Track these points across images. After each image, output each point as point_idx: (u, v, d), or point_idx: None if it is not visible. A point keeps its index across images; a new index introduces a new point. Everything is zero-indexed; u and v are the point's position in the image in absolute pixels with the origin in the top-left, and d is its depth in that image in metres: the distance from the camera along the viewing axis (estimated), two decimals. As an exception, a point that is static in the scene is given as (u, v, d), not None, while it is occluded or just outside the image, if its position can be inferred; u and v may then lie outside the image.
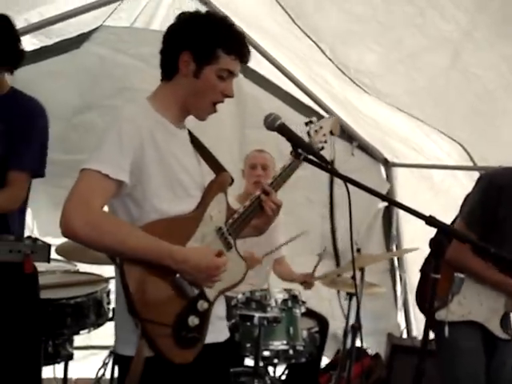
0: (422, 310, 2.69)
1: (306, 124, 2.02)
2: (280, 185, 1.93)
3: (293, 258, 3.68)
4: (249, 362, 3.10)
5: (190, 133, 1.90)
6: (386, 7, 2.78)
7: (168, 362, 1.62)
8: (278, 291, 2.98)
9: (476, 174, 3.42)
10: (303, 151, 1.84)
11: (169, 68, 1.77)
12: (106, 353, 3.34)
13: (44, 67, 3.45)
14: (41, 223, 3.68)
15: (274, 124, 1.81)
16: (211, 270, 1.65)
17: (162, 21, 3.78)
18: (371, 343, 4.30)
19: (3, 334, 2.30)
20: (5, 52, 2.28)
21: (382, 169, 4.58)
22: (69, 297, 2.72)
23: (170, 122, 1.76)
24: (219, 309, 1.83)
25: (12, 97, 2.38)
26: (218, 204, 1.82)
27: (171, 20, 1.80)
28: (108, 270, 2.96)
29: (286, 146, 1.87)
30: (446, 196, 4.07)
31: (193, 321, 1.66)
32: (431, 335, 2.00)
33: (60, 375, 3.01)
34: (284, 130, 1.81)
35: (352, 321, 3.15)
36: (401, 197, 4.51)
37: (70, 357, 2.94)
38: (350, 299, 3.18)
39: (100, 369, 3.29)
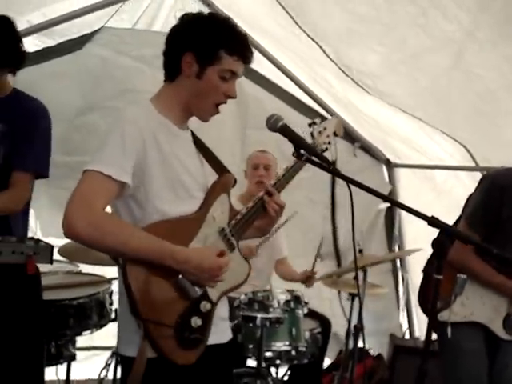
0: (424, 310, 2.69)
1: (310, 125, 2.03)
2: (283, 186, 1.94)
3: (293, 259, 3.68)
4: (251, 362, 3.09)
5: (192, 134, 1.90)
6: (388, 7, 2.77)
7: (170, 362, 1.62)
8: (280, 292, 2.97)
9: (478, 175, 3.42)
10: (305, 152, 1.84)
11: (172, 69, 1.77)
12: (108, 354, 3.35)
13: (46, 68, 3.45)
14: (43, 224, 3.68)
15: (276, 125, 1.81)
16: (213, 270, 1.65)
17: (164, 22, 3.79)
18: (373, 344, 4.29)
19: (6, 335, 2.30)
20: (6, 53, 2.28)
21: (385, 169, 4.58)
22: (71, 298, 2.72)
23: (173, 123, 1.76)
24: (222, 310, 1.83)
25: (14, 98, 2.38)
26: (220, 205, 1.82)
27: (173, 21, 1.80)
28: (110, 271, 2.97)
29: (288, 147, 1.87)
30: (448, 197, 4.06)
31: (195, 322, 1.66)
32: (434, 336, 1.99)
33: (62, 376, 3.01)
34: (286, 131, 1.81)
35: (354, 321, 3.15)
36: (403, 197, 4.51)
37: (73, 358, 2.94)
38: (353, 300, 3.18)
39: (102, 370, 3.29)
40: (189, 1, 3.76)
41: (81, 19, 3.44)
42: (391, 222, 4.63)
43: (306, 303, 3.01)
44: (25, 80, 2.55)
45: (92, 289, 2.88)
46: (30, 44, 3.29)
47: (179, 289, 1.64)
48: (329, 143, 2.05)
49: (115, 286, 2.85)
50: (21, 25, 2.46)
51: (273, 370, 3.31)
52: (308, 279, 3.34)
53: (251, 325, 2.81)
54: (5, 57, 2.28)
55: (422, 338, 4.06)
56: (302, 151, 1.82)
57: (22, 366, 2.35)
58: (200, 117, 1.82)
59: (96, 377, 3.34)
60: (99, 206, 1.57)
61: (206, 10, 2.98)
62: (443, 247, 1.57)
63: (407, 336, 4.56)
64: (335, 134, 2.09)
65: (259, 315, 2.77)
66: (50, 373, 2.85)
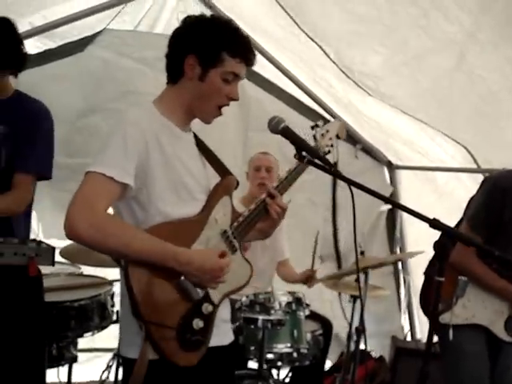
0: (426, 312, 2.68)
1: (312, 128, 2.03)
2: (286, 188, 1.93)
3: (295, 261, 3.67)
4: (253, 364, 3.09)
5: (195, 136, 1.90)
6: (389, 8, 2.77)
7: (172, 364, 1.62)
8: (281, 294, 2.97)
9: (480, 177, 3.42)
10: (307, 154, 1.84)
11: (174, 71, 1.77)
12: (110, 355, 3.35)
13: (48, 70, 3.45)
14: (45, 226, 3.68)
15: (277, 127, 1.81)
16: (215, 271, 1.65)
17: (166, 24, 3.79)
18: (375, 346, 4.29)
19: (8, 336, 2.30)
20: (8, 55, 2.28)
21: (386, 171, 4.58)
22: (73, 299, 2.73)
23: (176, 125, 1.76)
24: (224, 312, 1.83)
25: (17, 99, 2.39)
26: (223, 207, 1.82)
27: (175, 23, 1.80)
28: (112, 273, 2.97)
29: (290, 149, 1.87)
30: (449, 199, 4.06)
31: (197, 324, 1.66)
32: (435, 338, 1.99)
33: (64, 378, 3.01)
34: (288, 133, 1.81)
35: (356, 323, 3.15)
36: (405, 199, 4.51)
37: (74, 359, 2.94)
38: (354, 302, 3.18)
39: (104, 372, 3.29)
40: (191, 3, 3.77)
41: (82, 21, 3.44)
42: (393, 223, 4.63)
43: (308, 305, 3.01)
44: (26, 82, 2.55)
45: (94, 291, 2.88)
46: (32, 46, 3.30)
47: (181, 290, 1.64)
48: (331, 146, 2.05)
49: (117, 288, 2.86)
50: (22, 27, 2.46)
51: (274, 371, 3.32)
52: (309, 279, 3.33)
53: (253, 327, 2.80)
54: (6, 59, 2.28)
55: (424, 340, 4.05)
56: (304, 153, 1.82)
57: (23, 368, 2.35)
58: (202, 119, 1.82)
59: (97, 379, 3.34)
60: (101, 207, 1.57)
61: (208, 12, 2.95)
62: (445, 249, 1.57)
63: (409, 338, 4.56)
64: (338, 137, 2.09)
65: (261, 317, 2.77)
66: (51, 375, 2.84)
